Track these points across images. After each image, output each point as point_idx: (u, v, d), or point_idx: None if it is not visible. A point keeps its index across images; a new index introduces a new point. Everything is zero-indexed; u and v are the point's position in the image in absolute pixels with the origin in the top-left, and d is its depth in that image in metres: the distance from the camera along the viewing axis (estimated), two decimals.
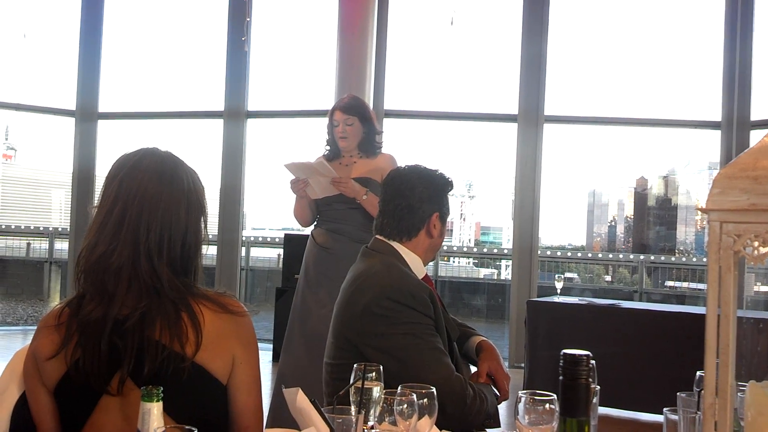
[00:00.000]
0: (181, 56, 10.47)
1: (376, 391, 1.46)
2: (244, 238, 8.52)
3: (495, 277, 15.01)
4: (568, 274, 15.06)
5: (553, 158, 7.21)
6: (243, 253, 8.85)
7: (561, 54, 7.51)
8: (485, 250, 17.55)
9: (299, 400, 1.44)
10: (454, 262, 16.24)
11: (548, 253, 14.74)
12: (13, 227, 16.51)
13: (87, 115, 7.76)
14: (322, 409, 1.39)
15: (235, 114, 7.45)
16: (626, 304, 5.46)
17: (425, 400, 1.41)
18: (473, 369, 2.20)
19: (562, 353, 1.22)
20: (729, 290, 0.98)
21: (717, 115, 6.75)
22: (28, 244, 15.61)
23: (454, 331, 2.12)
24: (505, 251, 15.05)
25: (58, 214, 16.25)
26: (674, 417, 1.36)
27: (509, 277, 7.92)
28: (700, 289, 12.45)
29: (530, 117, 6.85)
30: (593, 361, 1.26)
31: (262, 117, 7.76)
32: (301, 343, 3.54)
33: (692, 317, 4.87)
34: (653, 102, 13.79)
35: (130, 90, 9.05)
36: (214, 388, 1.45)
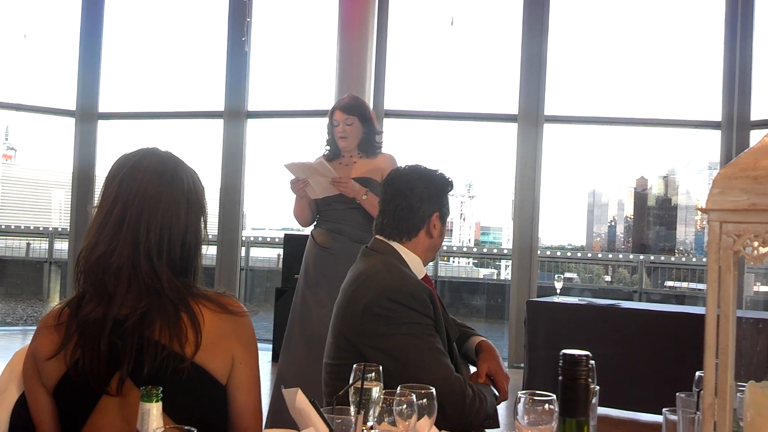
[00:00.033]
0: (181, 56, 10.49)
1: (376, 391, 1.46)
2: (243, 238, 8.52)
3: (495, 277, 15.03)
4: (567, 275, 15.06)
5: (553, 158, 7.22)
6: (243, 253, 8.85)
7: (561, 54, 7.51)
8: (485, 250, 17.58)
9: (299, 400, 1.44)
10: (453, 262, 16.25)
11: (548, 253, 14.76)
12: (13, 227, 16.52)
13: (87, 116, 7.75)
14: (321, 409, 1.39)
15: (235, 114, 7.45)
16: (626, 304, 5.46)
17: (424, 400, 1.41)
18: (473, 369, 2.20)
19: (561, 353, 1.22)
20: (729, 290, 0.98)
21: (717, 115, 6.75)
22: (28, 244, 15.62)
23: (453, 332, 2.12)
24: (505, 251, 15.08)
25: (58, 214, 16.26)
26: (673, 417, 1.36)
27: (509, 277, 7.92)
28: (699, 289, 12.45)
29: (530, 117, 6.85)
30: (593, 362, 1.26)
31: (262, 117, 7.76)
32: (300, 343, 3.54)
33: (692, 317, 4.86)
34: (653, 102, 13.81)
35: (130, 90, 9.06)
36: (214, 388, 1.45)
